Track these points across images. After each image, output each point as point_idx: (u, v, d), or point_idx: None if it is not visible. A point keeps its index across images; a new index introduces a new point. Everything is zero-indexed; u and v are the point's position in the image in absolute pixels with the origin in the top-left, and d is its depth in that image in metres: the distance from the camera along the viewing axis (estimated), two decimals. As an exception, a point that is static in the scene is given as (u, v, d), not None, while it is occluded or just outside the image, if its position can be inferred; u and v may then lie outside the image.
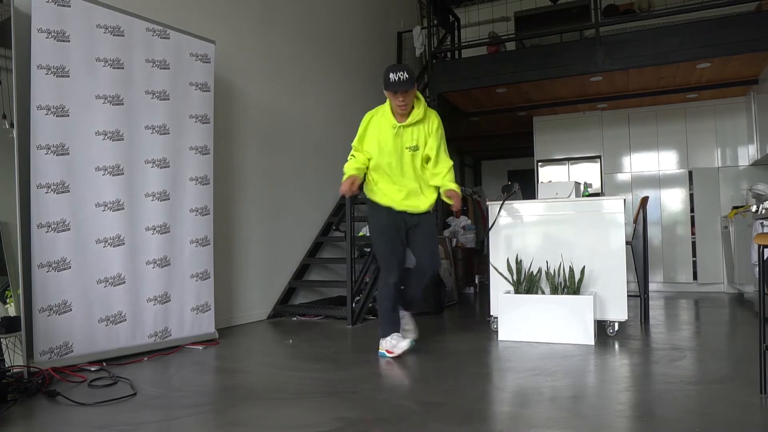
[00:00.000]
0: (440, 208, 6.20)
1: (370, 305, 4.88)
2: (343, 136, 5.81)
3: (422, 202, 3.24)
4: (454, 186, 3.21)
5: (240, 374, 2.93)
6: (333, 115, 5.99)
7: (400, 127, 3.12)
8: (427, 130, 3.18)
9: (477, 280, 7.28)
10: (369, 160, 3.21)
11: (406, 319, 3.37)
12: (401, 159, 3.18)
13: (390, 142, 3.14)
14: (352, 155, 3.26)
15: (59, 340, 2.96)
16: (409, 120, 3.13)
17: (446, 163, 3.22)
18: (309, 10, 5.81)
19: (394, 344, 3.18)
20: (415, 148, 3.17)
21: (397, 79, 2.97)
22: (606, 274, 3.73)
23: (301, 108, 5.46)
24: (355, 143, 3.27)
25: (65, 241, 3.04)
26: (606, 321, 3.75)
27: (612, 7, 7.86)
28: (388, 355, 3.19)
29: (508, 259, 3.88)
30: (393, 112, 3.14)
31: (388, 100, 3.15)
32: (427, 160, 3.22)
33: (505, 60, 6.23)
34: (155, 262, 3.50)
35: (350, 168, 3.17)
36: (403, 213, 3.23)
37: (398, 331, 3.27)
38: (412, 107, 3.14)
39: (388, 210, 3.22)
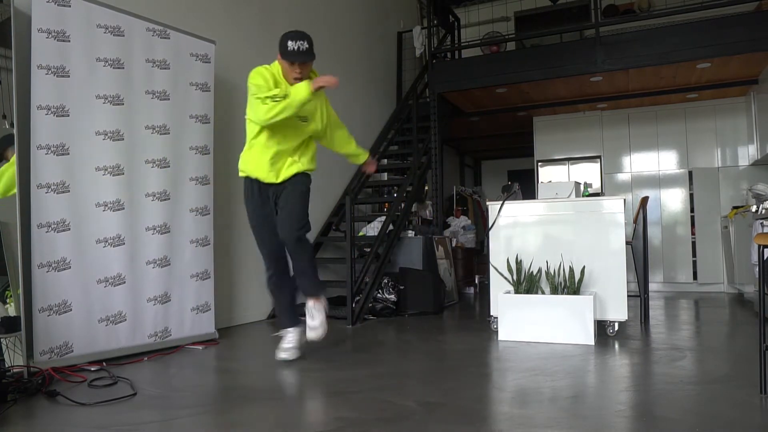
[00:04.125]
0: (440, 209, 6.21)
1: (369, 305, 4.88)
2: (343, 136, 5.80)
3: (292, 168, 2.98)
4: (366, 153, 3.35)
5: (240, 374, 2.93)
6: (333, 115, 5.98)
7: None
8: (319, 104, 2.97)
9: (477, 280, 7.28)
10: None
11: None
12: (286, 127, 2.88)
13: None
14: (275, 97, 2.72)
15: (59, 340, 2.96)
16: None
17: (345, 130, 3.24)
18: (309, 11, 5.81)
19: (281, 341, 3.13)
20: (305, 119, 2.93)
21: (296, 48, 2.70)
22: (606, 274, 3.73)
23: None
24: (266, 93, 2.74)
25: (65, 241, 3.04)
26: (606, 321, 3.75)
27: (612, 7, 7.86)
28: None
29: (508, 259, 3.88)
30: (285, 77, 2.85)
31: (276, 64, 2.88)
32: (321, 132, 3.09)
33: (505, 60, 6.23)
34: (155, 262, 3.50)
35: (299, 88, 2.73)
36: (270, 185, 2.98)
37: (295, 326, 3.12)
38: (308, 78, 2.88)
39: (257, 187, 2.99)
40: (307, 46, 2.75)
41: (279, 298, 3.18)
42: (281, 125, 2.86)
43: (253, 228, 3.09)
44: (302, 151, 3.04)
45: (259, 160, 2.96)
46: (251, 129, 2.98)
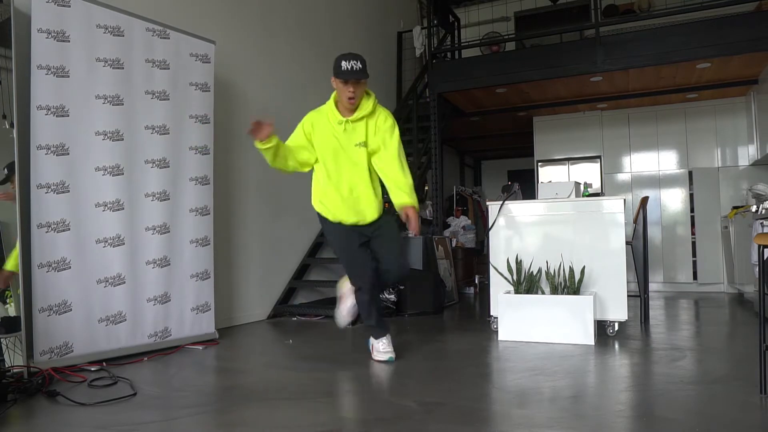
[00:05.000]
0: (440, 209, 6.21)
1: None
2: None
3: (370, 211, 2.97)
4: (411, 200, 2.87)
5: (240, 374, 2.93)
6: (333, 115, 5.97)
7: (347, 121, 2.90)
8: (376, 125, 2.94)
9: (477, 280, 7.28)
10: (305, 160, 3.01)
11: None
12: (350, 160, 2.94)
13: (335, 140, 2.92)
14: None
15: (59, 340, 2.96)
16: (357, 114, 2.90)
17: (407, 177, 2.92)
18: (309, 10, 5.81)
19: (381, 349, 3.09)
20: (363, 144, 2.93)
21: (350, 67, 2.77)
22: (606, 274, 3.73)
23: (302, 107, 5.42)
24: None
25: (65, 241, 3.04)
26: (606, 321, 3.75)
27: (612, 7, 7.87)
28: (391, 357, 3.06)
29: (508, 259, 3.88)
30: (338, 107, 2.93)
31: (330, 99, 2.97)
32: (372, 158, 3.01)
33: (505, 60, 6.23)
34: (155, 262, 3.50)
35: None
36: (356, 226, 2.98)
37: (388, 332, 3.15)
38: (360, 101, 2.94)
39: (340, 225, 2.99)
40: (360, 66, 2.79)
41: (374, 314, 3.08)
42: (340, 159, 2.92)
43: (349, 255, 3.00)
44: (377, 193, 3.02)
45: (339, 209, 2.96)
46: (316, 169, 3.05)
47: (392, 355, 3.06)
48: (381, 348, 3.08)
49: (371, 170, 2.99)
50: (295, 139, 2.99)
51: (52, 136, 3.01)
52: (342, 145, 2.93)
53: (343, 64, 2.79)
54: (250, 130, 2.75)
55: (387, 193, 3.01)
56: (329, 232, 3.06)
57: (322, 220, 3.06)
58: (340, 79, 2.81)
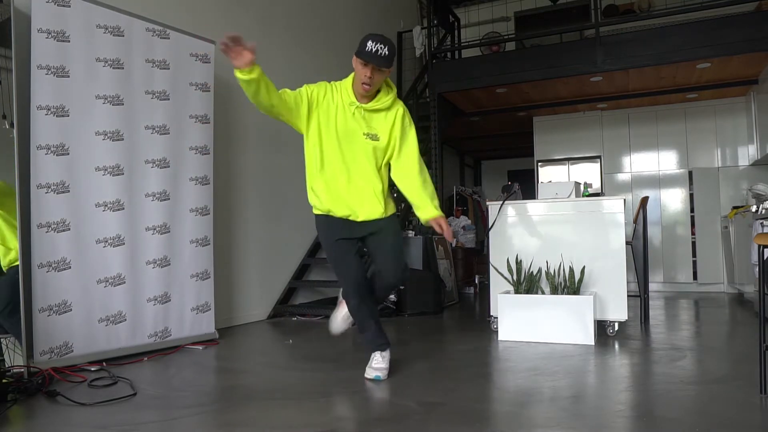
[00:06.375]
0: (443, 208, 6.20)
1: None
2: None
3: (375, 209, 2.64)
4: (438, 211, 2.62)
5: (240, 374, 2.93)
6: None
7: (358, 107, 2.58)
8: (394, 119, 2.63)
9: (477, 280, 7.28)
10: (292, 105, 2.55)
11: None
12: (353, 148, 2.59)
13: (342, 123, 2.58)
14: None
15: (59, 340, 2.96)
16: (372, 104, 2.60)
17: (428, 185, 2.67)
18: (308, 10, 5.81)
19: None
20: (374, 137, 2.61)
21: (374, 50, 2.45)
22: (606, 274, 3.73)
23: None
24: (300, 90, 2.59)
25: (65, 241, 3.04)
26: (606, 321, 3.75)
27: (612, 7, 7.87)
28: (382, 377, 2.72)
29: (508, 259, 3.88)
30: (354, 88, 2.60)
31: (349, 78, 2.64)
32: (388, 162, 2.70)
33: (505, 60, 6.23)
34: (155, 262, 3.50)
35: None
36: (351, 222, 2.65)
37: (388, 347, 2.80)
38: (378, 92, 2.63)
39: (332, 221, 2.67)
40: (386, 52, 2.47)
41: (368, 323, 2.75)
42: (343, 146, 2.59)
43: (336, 257, 2.70)
44: (386, 195, 2.69)
45: (336, 203, 2.64)
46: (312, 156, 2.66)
47: (381, 374, 2.70)
48: (374, 364, 2.75)
49: (378, 167, 2.66)
50: (291, 95, 2.57)
51: (52, 136, 3.01)
52: (346, 130, 2.59)
53: (369, 44, 2.47)
54: (225, 49, 2.21)
55: (397, 192, 2.78)
56: (319, 225, 2.73)
57: (317, 218, 2.75)
58: (361, 59, 2.49)
